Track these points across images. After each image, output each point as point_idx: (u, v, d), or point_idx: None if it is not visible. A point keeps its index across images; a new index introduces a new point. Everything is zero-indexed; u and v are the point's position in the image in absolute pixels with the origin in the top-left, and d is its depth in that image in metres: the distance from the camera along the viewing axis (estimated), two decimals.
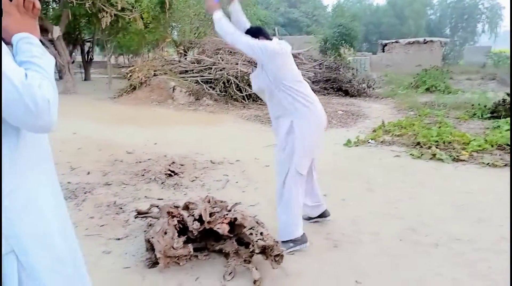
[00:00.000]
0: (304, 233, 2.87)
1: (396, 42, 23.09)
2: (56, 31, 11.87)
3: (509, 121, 6.95)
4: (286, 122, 2.82)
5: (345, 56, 18.59)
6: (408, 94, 12.71)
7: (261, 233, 2.48)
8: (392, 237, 3.06)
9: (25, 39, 1.06)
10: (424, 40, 22.51)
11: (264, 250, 2.48)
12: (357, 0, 41.31)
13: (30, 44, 1.06)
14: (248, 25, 3.01)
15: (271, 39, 2.85)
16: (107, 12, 11.46)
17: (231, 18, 3.01)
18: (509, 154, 5.23)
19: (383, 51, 23.45)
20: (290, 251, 2.77)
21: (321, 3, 42.59)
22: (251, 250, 2.54)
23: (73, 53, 18.47)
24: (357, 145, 6.24)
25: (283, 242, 2.78)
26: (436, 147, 5.65)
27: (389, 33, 32.66)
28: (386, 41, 23.91)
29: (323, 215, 3.26)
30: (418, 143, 5.97)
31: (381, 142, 6.33)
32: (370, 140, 6.43)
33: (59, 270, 1.20)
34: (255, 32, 2.84)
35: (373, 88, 13.51)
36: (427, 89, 13.32)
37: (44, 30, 12.93)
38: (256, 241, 2.44)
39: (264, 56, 2.72)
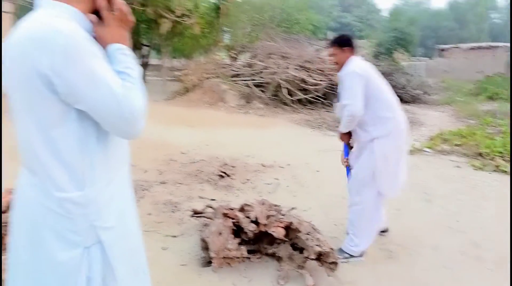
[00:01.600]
0: None
1: (456, 47, 21.94)
2: None
3: None
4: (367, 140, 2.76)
5: (399, 61, 17.98)
6: (467, 101, 12.04)
7: (318, 239, 2.46)
8: (453, 251, 2.91)
9: (121, 50, 1.13)
10: (488, 45, 21.20)
11: (319, 257, 2.45)
12: (414, 4, 39.86)
13: (125, 55, 1.13)
14: None
15: (354, 50, 2.77)
16: (167, 18, 11.95)
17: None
18: None
19: (440, 56, 22.37)
20: (344, 261, 2.72)
21: (375, 7, 41.59)
22: (305, 255, 2.52)
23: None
24: (412, 154, 5.99)
25: (340, 250, 2.74)
26: (501, 159, 5.29)
27: (447, 38, 31.16)
28: (444, 46, 22.79)
29: (383, 230, 3.15)
30: (480, 154, 5.62)
31: (439, 151, 6.04)
32: (426, 149, 6.15)
33: (133, 263, 1.27)
34: (345, 41, 2.77)
35: (429, 95, 12.95)
36: (489, 97, 12.52)
37: None
38: (312, 247, 2.42)
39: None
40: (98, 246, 1.13)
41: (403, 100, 12.10)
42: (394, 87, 12.53)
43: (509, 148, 5.66)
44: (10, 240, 1.24)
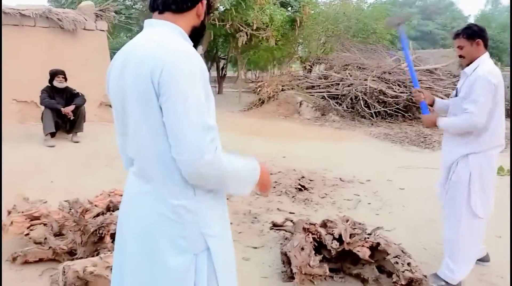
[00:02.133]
0: None
1: None
2: (199, 50, 13.27)
3: None
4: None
5: None
6: None
7: (408, 264, 2.29)
8: None
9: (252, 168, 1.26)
10: None
11: (410, 283, 2.27)
12: (505, 9, 36.45)
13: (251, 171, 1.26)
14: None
15: (487, 46, 2.51)
16: (243, 32, 12.34)
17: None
18: None
19: None
20: None
21: (461, 13, 38.86)
22: (394, 280, 2.35)
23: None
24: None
25: (435, 275, 2.52)
26: None
27: None
28: None
29: (483, 259, 2.84)
30: None
31: None
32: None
33: (230, 271, 1.28)
34: (475, 33, 2.48)
35: None
36: None
37: None
38: (403, 272, 2.25)
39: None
40: (205, 253, 1.16)
41: None
42: None
43: None
44: (119, 243, 1.31)
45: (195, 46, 1.25)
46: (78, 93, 6.37)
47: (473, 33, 2.46)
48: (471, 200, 2.45)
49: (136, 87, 1.12)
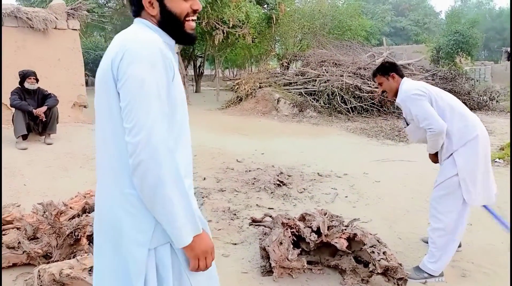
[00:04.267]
0: None
1: None
2: (176, 48, 13.10)
3: None
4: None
5: (461, 66, 16.97)
6: None
7: (384, 253, 2.35)
8: None
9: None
10: None
11: (386, 272, 2.33)
12: (474, 5, 37.65)
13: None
14: None
15: (402, 74, 2.74)
16: (220, 29, 12.28)
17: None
18: None
19: (508, 60, 20.80)
20: (422, 282, 2.55)
21: (432, 9, 39.80)
22: (370, 269, 2.42)
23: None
24: None
25: (417, 268, 2.60)
26: None
27: None
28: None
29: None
30: None
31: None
32: (497, 159, 5.71)
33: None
34: (387, 68, 2.74)
35: (497, 101, 12.04)
36: None
37: None
38: (379, 261, 2.31)
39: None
40: (168, 246, 1.16)
41: (468, 107, 11.36)
42: (457, 93, 11.81)
43: None
44: (97, 242, 1.29)
45: (179, 38, 1.27)
46: (50, 94, 6.21)
47: (386, 69, 2.72)
48: (465, 192, 2.49)
49: (100, 78, 1.16)
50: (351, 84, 10.56)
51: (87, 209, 2.96)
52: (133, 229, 1.13)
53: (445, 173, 2.56)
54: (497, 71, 19.60)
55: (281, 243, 2.66)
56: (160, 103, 1.09)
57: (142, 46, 1.11)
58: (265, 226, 3.19)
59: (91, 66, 19.33)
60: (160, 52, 1.12)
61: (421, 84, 2.67)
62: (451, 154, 2.55)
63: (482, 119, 10.27)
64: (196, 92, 19.34)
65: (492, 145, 6.81)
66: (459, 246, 2.94)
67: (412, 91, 2.57)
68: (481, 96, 11.90)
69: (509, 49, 21.33)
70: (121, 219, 1.14)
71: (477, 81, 13.80)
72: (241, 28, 12.61)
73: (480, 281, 2.59)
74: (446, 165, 2.58)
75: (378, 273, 2.36)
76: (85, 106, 7.97)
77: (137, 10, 1.25)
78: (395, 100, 2.74)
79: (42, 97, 6.14)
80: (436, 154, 2.73)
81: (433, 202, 2.64)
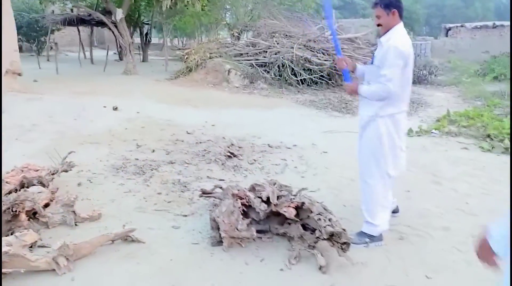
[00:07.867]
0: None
1: (462, 26, 21.52)
2: (119, 14, 12.34)
3: None
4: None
5: None
6: (474, 82, 11.89)
7: (330, 220, 2.46)
8: (464, 234, 2.90)
9: None
10: (494, 24, 20.77)
11: (331, 237, 2.45)
12: None
13: None
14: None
15: (402, 16, 2.65)
16: None
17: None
18: None
19: (446, 36, 22.00)
20: (364, 246, 2.71)
21: None
22: (317, 235, 2.52)
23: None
24: (419, 135, 5.95)
25: (360, 233, 2.75)
26: (510, 140, 5.25)
27: (453, 17, 30.62)
28: (450, 25, 22.35)
29: (393, 211, 3.13)
30: (489, 136, 5.58)
31: (446, 132, 6.00)
32: (433, 130, 6.11)
33: None
34: (391, 3, 2.61)
35: (435, 75, 12.78)
36: (496, 78, 12.37)
37: (108, 12, 13.51)
38: (324, 227, 2.42)
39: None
40: None
41: None
42: None
43: None
44: None
45: None
46: None
47: (390, 3, 2.62)
48: (382, 160, 2.67)
49: None
50: (301, 56, 10.64)
51: (26, 184, 2.78)
52: None
53: (366, 143, 2.74)
54: (437, 46, 20.68)
55: (232, 213, 2.69)
56: None
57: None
58: (215, 198, 3.20)
59: (24, 30, 17.69)
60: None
61: (409, 43, 2.63)
62: (374, 118, 2.66)
63: (420, 92, 10.89)
64: (143, 61, 18.54)
65: (429, 117, 7.33)
66: (396, 211, 3.15)
67: (402, 46, 2.54)
68: (421, 70, 12.54)
69: (447, 26, 22.49)
70: None
71: (418, 55, 14.48)
72: None
73: (416, 242, 2.80)
74: (367, 135, 2.74)
75: (324, 239, 2.47)
76: (19, 74, 7.34)
77: None
78: (384, 34, 2.66)
79: None
80: (356, 91, 2.77)
81: (360, 170, 2.85)
